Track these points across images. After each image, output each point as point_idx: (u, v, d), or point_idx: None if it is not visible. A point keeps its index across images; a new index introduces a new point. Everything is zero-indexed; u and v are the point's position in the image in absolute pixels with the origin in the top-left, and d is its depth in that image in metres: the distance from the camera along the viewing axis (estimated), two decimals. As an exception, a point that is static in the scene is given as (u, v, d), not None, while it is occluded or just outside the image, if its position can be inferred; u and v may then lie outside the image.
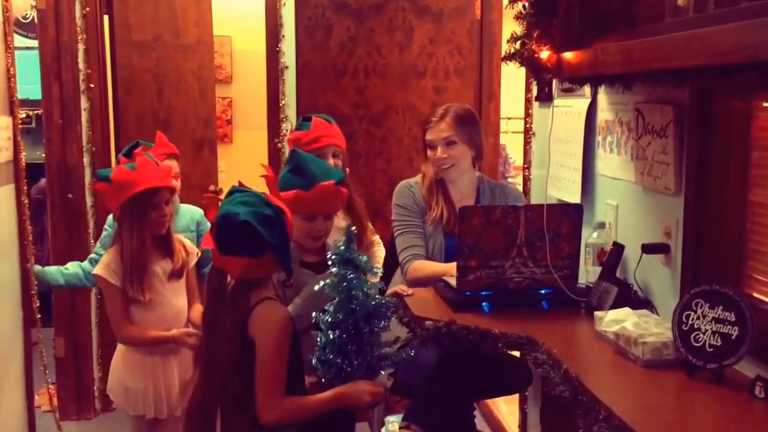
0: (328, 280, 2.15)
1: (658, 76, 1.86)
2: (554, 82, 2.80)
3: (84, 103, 4.01)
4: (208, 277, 2.16)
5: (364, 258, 2.16)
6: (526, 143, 3.42)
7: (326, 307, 2.16)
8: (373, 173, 4.34)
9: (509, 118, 5.74)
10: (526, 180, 3.43)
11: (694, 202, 2.06)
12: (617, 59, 1.92)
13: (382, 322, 2.15)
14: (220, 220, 2.04)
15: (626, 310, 2.09)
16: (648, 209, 2.31)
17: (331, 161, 2.96)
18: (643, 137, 2.27)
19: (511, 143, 5.98)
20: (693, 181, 2.06)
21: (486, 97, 4.39)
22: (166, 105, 4.36)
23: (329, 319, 2.13)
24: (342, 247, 2.14)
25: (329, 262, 2.16)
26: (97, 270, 2.72)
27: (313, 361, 2.17)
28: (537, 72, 2.35)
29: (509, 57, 2.38)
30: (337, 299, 2.13)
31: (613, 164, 2.52)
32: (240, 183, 2.16)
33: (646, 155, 2.26)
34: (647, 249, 2.20)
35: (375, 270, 2.30)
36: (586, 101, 2.69)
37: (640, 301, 2.24)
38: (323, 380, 2.16)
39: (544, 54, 2.28)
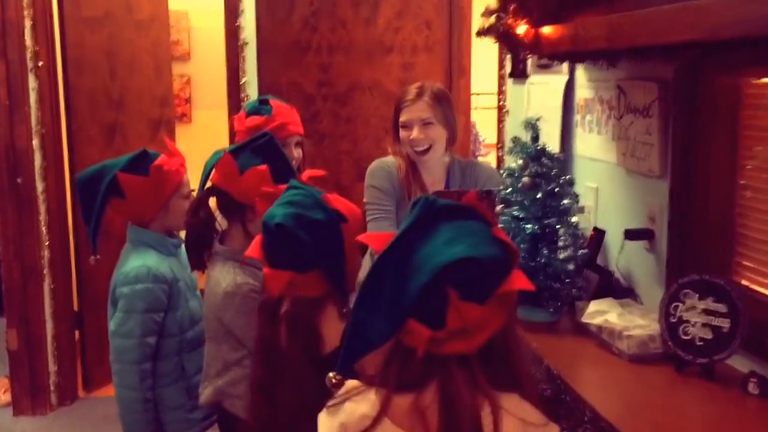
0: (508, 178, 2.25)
1: (644, 52, 1.75)
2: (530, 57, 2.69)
3: (32, 83, 3.79)
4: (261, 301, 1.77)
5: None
6: (500, 121, 3.30)
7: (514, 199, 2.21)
8: (338, 155, 4.19)
9: (478, 94, 5.61)
10: (500, 160, 3.33)
11: (679, 186, 1.98)
12: (601, 34, 1.81)
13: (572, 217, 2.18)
14: (262, 224, 1.68)
15: (609, 300, 2.02)
16: (631, 193, 2.23)
17: (294, 151, 2.75)
18: (625, 116, 2.18)
19: (481, 120, 5.86)
20: (679, 163, 1.97)
21: (456, 74, 4.24)
22: (120, 84, 4.17)
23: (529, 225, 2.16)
24: (531, 143, 2.22)
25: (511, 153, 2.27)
26: None
27: None
28: (513, 48, 2.24)
29: (484, 32, 2.26)
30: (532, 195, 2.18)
31: (593, 145, 2.43)
32: (303, 177, 1.85)
33: (629, 135, 2.16)
34: (630, 235, 2.13)
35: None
36: (564, 78, 2.59)
37: (622, 290, 2.18)
38: None
39: (521, 29, 2.17)
